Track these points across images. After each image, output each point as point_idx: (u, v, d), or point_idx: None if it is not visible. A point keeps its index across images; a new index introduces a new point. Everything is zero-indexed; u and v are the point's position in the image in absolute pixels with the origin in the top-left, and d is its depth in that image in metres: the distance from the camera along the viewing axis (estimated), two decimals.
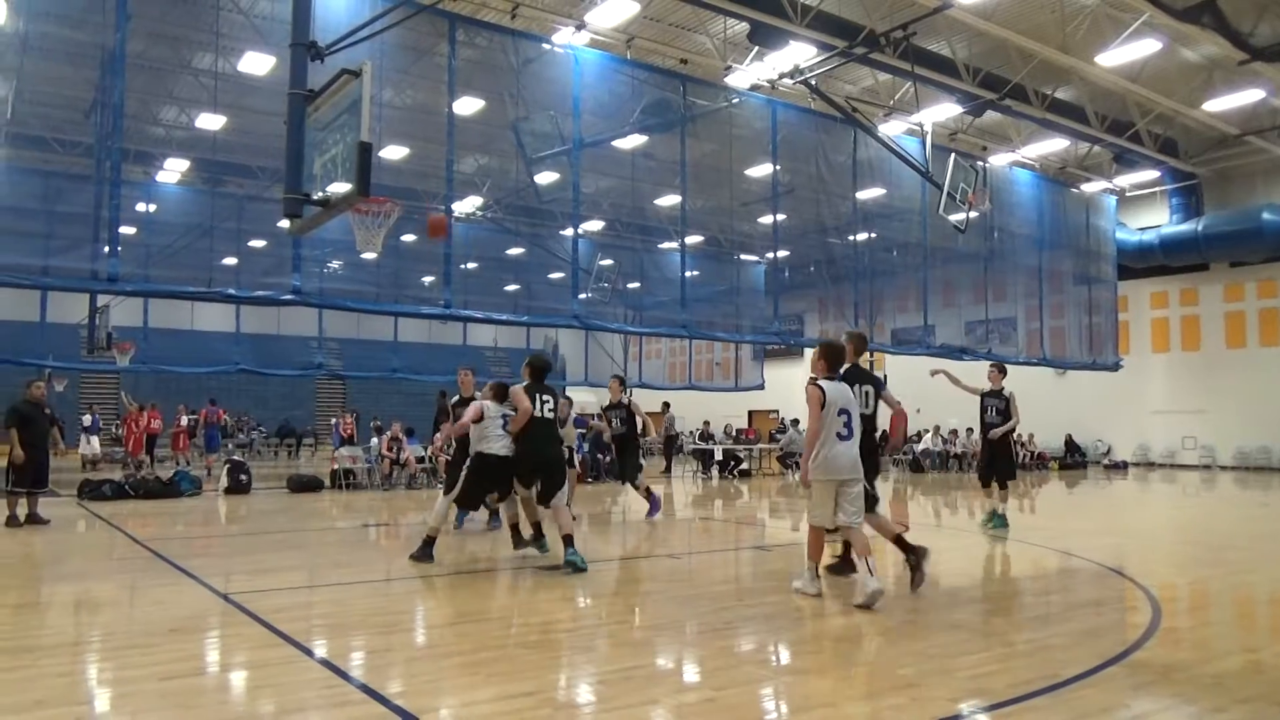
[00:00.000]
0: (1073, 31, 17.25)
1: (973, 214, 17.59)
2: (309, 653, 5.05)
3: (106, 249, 11.39)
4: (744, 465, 22.43)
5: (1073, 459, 26.94)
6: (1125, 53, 17.41)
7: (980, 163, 18.73)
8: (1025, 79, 19.04)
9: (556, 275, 20.29)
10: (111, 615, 6.25)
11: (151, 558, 8.45)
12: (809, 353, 30.98)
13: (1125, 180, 25.86)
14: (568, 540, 7.73)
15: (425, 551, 7.99)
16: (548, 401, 8.16)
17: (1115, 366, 22.72)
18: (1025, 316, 21.37)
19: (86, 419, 23.42)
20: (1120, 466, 26.45)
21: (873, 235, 19.79)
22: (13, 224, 12.66)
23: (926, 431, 25.90)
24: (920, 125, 18.88)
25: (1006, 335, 21.05)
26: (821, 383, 6.49)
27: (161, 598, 6.64)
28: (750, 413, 35.51)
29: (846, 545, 7.30)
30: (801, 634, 5.73)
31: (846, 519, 6.45)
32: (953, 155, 17.55)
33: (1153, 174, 25.30)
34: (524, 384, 8.17)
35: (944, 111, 20.19)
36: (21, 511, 10.74)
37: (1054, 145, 23.85)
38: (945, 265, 20.35)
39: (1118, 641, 5.52)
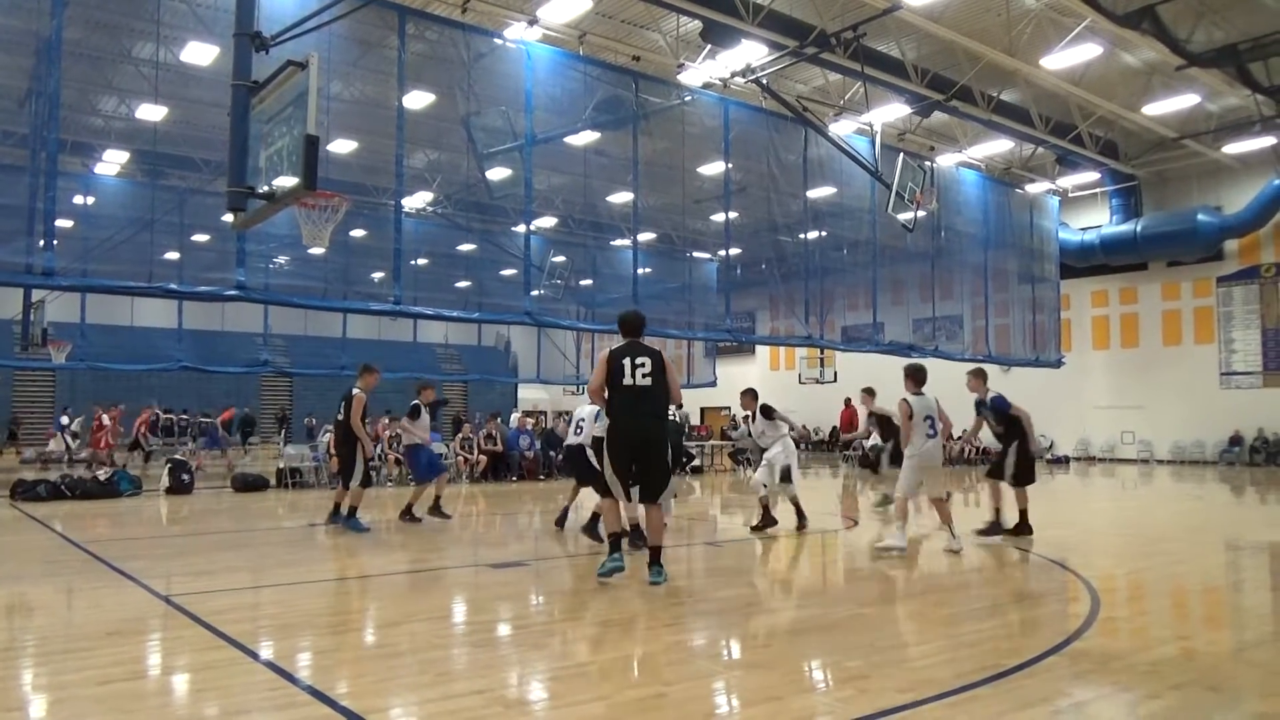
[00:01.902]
0: (1018, 35, 17.62)
1: (920, 213, 17.85)
2: (253, 654, 4.96)
3: (41, 242, 11.02)
4: (695, 461, 22.52)
5: None
6: (1068, 56, 17.84)
7: (928, 163, 19.01)
8: (972, 81, 19.41)
9: (508, 272, 20.17)
10: (46, 619, 6.07)
11: (89, 559, 8.23)
12: (760, 350, 31.47)
13: (1068, 181, 26.50)
14: (654, 553, 6.73)
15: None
16: (642, 365, 6.67)
17: (1058, 363, 23.27)
18: (971, 314, 21.74)
19: (64, 419, 22.99)
20: (1062, 461, 27.09)
21: (823, 234, 19.97)
22: None
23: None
24: (870, 125, 19.13)
25: (953, 333, 21.41)
26: (909, 398, 8.65)
27: (99, 600, 6.47)
28: (702, 409, 35.70)
29: (996, 512, 9.80)
30: (752, 629, 5.78)
31: (933, 493, 8.87)
32: (901, 155, 17.80)
33: (1094, 175, 25.97)
34: (612, 348, 6.84)
35: (893, 112, 20.49)
36: None
37: (999, 146, 24.35)
38: (894, 264, 20.61)
39: (1058, 631, 5.65)
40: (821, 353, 26.88)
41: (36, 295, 19.77)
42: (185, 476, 15.06)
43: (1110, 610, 6.32)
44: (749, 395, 11.37)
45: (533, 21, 16.22)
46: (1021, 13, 17.36)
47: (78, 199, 17.96)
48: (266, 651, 5.06)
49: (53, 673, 4.64)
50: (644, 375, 6.64)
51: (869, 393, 13.53)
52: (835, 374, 28.89)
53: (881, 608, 6.53)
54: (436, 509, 11.00)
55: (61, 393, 30.74)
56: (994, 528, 9.71)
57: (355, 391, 10.22)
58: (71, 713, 3.96)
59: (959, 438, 25.95)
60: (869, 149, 17.88)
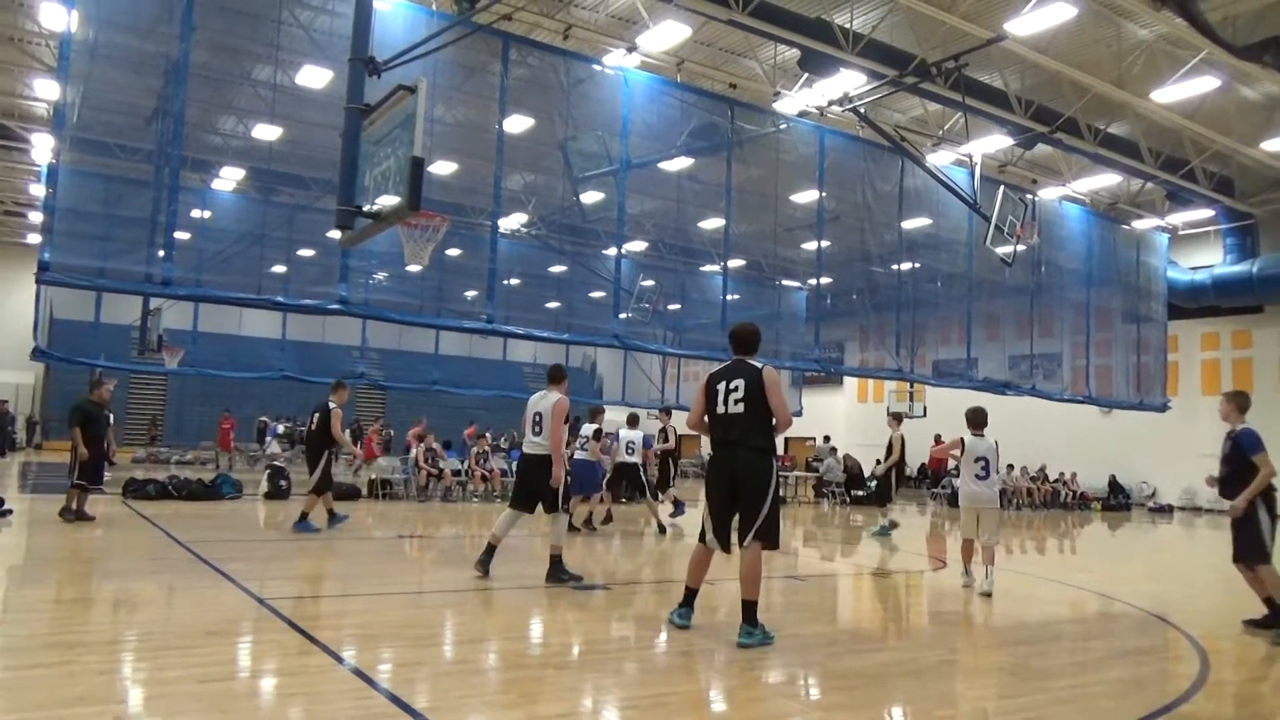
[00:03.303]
0: (1128, 67, 17.07)
1: (1020, 247, 17.36)
2: (343, 662, 5.08)
3: (161, 253, 11.64)
4: (780, 492, 22.23)
5: (1116, 500, 26.38)
6: (1182, 89, 17.20)
7: (1029, 196, 18.51)
8: (1078, 113, 18.85)
9: (598, 294, 20.38)
10: (152, 614, 6.34)
11: (192, 559, 8.57)
12: (848, 382, 30.99)
13: (1178, 218, 25.42)
14: (747, 609, 5.88)
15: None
16: (735, 390, 5.99)
17: (1163, 407, 22.24)
18: (1071, 353, 21.01)
19: (280, 427, 24.42)
20: (1165, 510, 25.84)
21: (917, 265, 19.63)
22: (73, 226, 12.92)
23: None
24: (969, 156, 18.75)
25: (1051, 371, 20.72)
26: (966, 438, 8.75)
27: (200, 599, 6.72)
28: (787, 440, 35.26)
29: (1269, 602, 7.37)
30: (836, 668, 5.64)
31: (985, 539, 8.61)
32: (1001, 187, 17.37)
33: (1207, 213, 24.84)
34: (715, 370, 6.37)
35: (994, 143, 20.04)
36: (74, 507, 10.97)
37: (1106, 180, 23.54)
38: (990, 298, 20.11)
39: (1162, 692, 5.36)
40: (911, 387, 26.26)
41: (154, 303, 20.82)
42: (283, 482, 15.58)
43: (1220, 673, 5.97)
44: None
45: (632, 49, 16.43)
46: (1133, 44, 16.81)
47: (195, 213, 18.87)
48: (355, 660, 5.17)
49: (157, 668, 4.84)
50: (736, 401, 5.96)
51: (896, 418, 14.17)
52: (925, 409, 28.15)
53: (973, 655, 6.31)
54: (589, 524, 12.15)
55: (172, 396, 32.24)
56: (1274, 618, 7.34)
57: (332, 407, 11.10)
58: (173, 708, 4.12)
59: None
60: (968, 180, 17.52)
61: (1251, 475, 7.29)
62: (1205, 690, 5.40)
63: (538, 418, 8.04)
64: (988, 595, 8.36)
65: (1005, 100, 18.41)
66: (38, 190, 25.92)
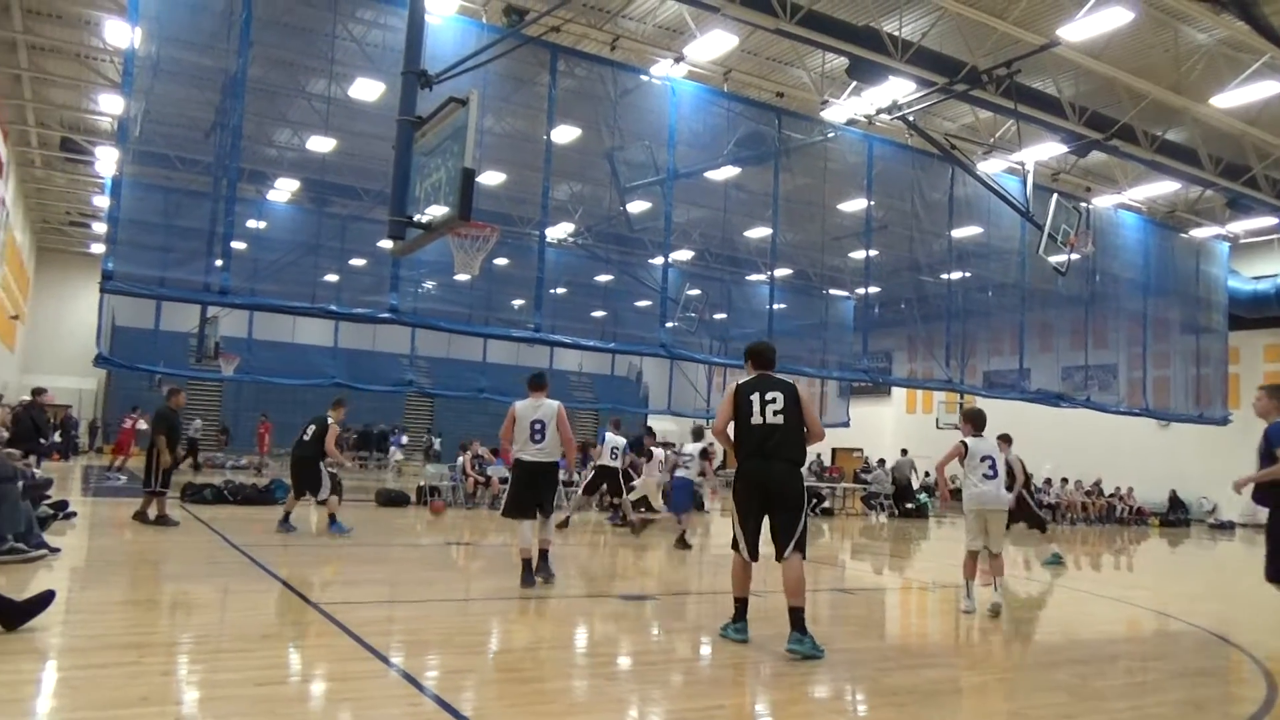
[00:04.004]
0: (1186, 72, 16.68)
1: (1074, 256, 17.04)
2: (394, 667, 5.13)
3: (219, 262, 11.92)
4: (826, 504, 22.05)
5: (1175, 516, 25.69)
6: (1243, 94, 16.76)
7: (1084, 204, 18.18)
8: (1134, 119, 18.46)
9: (644, 303, 20.44)
10: (208, 617, 6.47)
11: (246, 562, 8.74)
12: (897, 392, 30.61)
13: (1239, 226, 24.76)
14: (795, 616, 5.86)
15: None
16: (773, 401, 6.02)
17: (1224, 421, 21.64)
18: (1127, 364, 20.55)
19: (404, 439, 25.00)
20: (1226, 527, 25.10)
21: (967, 274, 19.38)
22: (135, 236, 13.32)
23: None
24: (1021, 164, 18.45)
25: (1106, 383, 20.29)
26: (966, 440, 8.10)
27: (255, 603, 6.85)
28: (834, 450, 34.97)
29: None
30: (886, 684, 5.57)
31: (993, 546, 8.00)
32: (1055, 195, 17.07)
33: (1269, 220, 24.11)
34: (740, 381, 6.28)
35: (1047, 150, 19.70)
36: (152, 511, 11.27)
37: (1163, 188, 23.01)
38: (1043, 308, 19.79)
39: (1226, 716, 5.21)
40: (961, 397, 25.90)
41: (211, 311, 21.32)
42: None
43: None
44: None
45: (679, 59, 16.47)
46: (1191, 48, 16.42)
47: (251, 223, 19.31)
48: (405, 665, 5.22)
49: (215, 670, 4.94)
50: (775, 412, 5.98)
51: (1004, 439, 12.95)
52: None
53: (1028, 673, 6.18)
54: (683, 541, 12.12)
55: (227, 402, 32.94)
56: None
57: (330, 423, 11.52)
58: (230, 711, 4.19)
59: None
60: (1020, 189, 17.25)
61: None
62: (1272, 715, 5.22)
63: (538, 426, 8.03)
64: (997, 612, 7.86)
65: (1058, 107, 18.09)
66: (102, 202, 26.74)
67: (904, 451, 26.02)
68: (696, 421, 16.16)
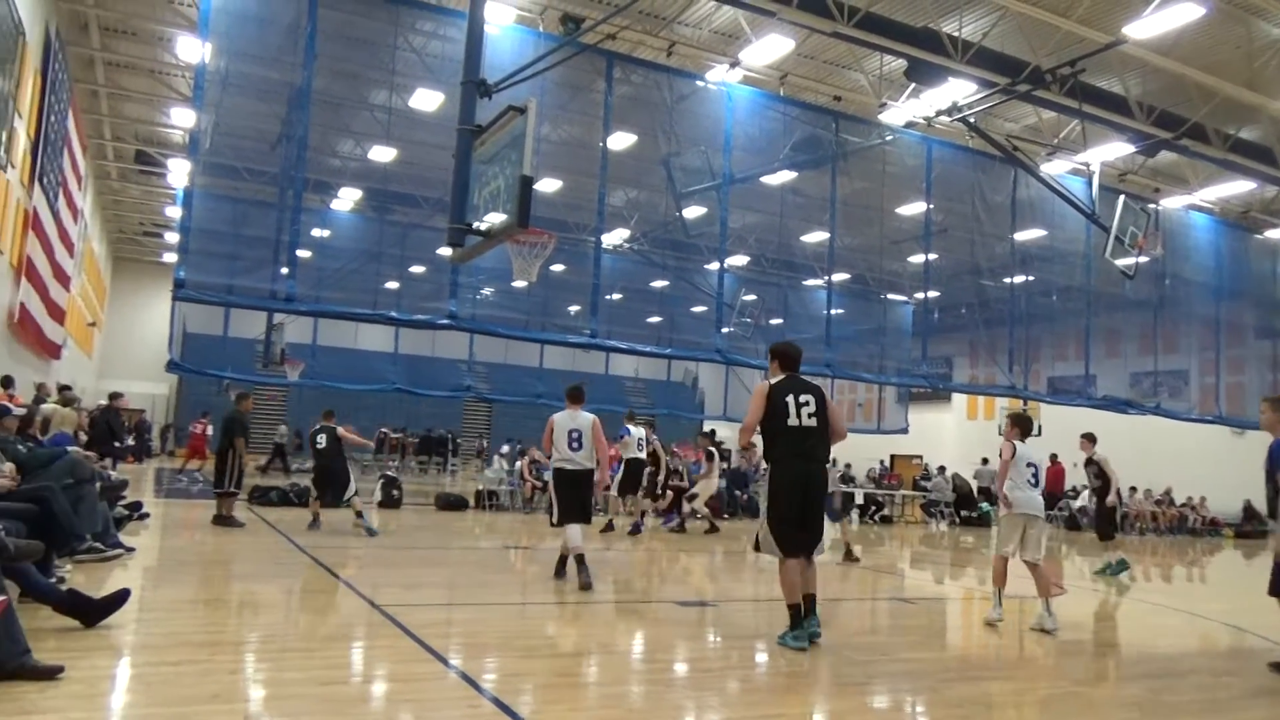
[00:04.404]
0: (1261, 68, 16.12)
1: (1142, 259, 16.58)
2: (453, 669, 5.20)
3: (285, 270, 12.24)
4: (884, 511, 21.77)
5: (1251, 527, 24.75)
6: None
7: (1152, 205, 17.70)
8: (1205, 117, 17.88)
9: (700, 309, 20.41)
10: (275, 617, 6.63)
11: (311, 564, 8.93)
12: (957, 398, 30.02)
13: None
14: (809, 603, 6.17)
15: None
16: (806, 404, 6.14)
17: None
18: (1199, 370, 19.93)
19: (505, 447, 25.33)
20: None
21: (1030, 278, 18.99)
22: (205, 246, 13.72)
23: (1084, 488, 24.47)
24: (1086, 165, 18.03)
25: (1177, 389, 19.70)
26: (1015, 444, 7.89)
27: (319, 604, 7.00)
28: (892, 456, 34.47)
29: None
30: (947, 695, 5.47)
31: (1030, 555, 7.61)
32: (1122, 197, 16.64)
33: None
34: (771, 380, 6.36)
35: (1113, 151, 19.18)
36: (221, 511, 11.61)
37: (1236, 188, 22.22)
38: (1110, 312, 19.30)
39: None
40: (1025, 404, 25.35)
41: (277, 318, 21.87)
42: (395, 492, 16.10)
43: None
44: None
45: (735, 64, 16.42)
46: (1266, 43, 15.87)
47: (315, 232, 19.74)
48: (465, 668, 5.29)
49: (280, 669, 5.06)
50: (809, 415, 6.11)
51: (1089, 438, 12.35)
52: (1040, 427, 27.12)
53: (1097, 687, 6.02)
54: (850, 555, 11.87)
55: (291, 407, 33.70)
56: None
57: (339, 429, 12.11)
58: (297, 709, 4.29)
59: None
60: (1085, 190, 16.87)
61: None
62: None
63: (576, 434, 8.34)
64: (1047, 630, 7.33)
65: (1125, 106, 17.62)
66: (174, 212, 27.60)
67: (985, 461, 25.50)
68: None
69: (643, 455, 14.55)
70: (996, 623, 7.58)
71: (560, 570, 8.50)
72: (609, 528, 13.61)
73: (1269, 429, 6.94)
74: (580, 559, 8.20)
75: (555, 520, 8.38)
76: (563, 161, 18.98)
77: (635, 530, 13.63)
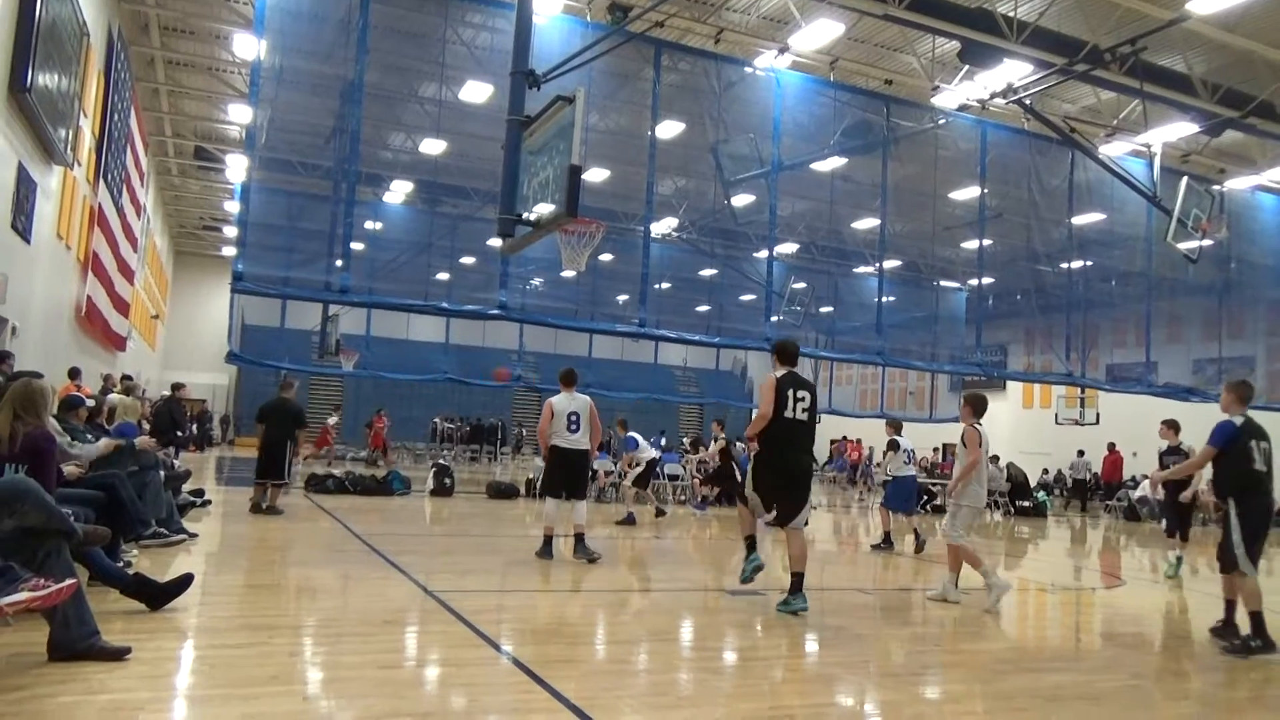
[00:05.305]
0: None
1: (1206, 242, 16.08)
2: (505, 655, 5.27)
3: (339, 263, 12.44)
4: (937, 500, 21.47)
5: None
6: None
7: (1216, 187, 17.15)
8: (1274, 94, 17.27)
9: (748, 297, 20.31)
10: (332, 602, 6.78)
11: (366, 550, 9.11)
12: (1012, 386, 29.38)
13: None
14: (797, 580, 6.80)
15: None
16: (802, 399, 6.78)
17: None
18: (1266, 356, 19.31)
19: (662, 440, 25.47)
20: None
21: (1089, 263, 18.55)
22: (261, 239, 14.01)
23: (1144, 477, 23.89)
24: (1148, 146, 17.51)
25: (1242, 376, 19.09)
26: (979, 426, 7.94)
27: (375, 589, 7.14)
28: (944, 446, 33.99)
29: (1228, 606, 6.85)
30: (1004, 688, 5.39)
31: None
32: (1185, 178, 16.14)
33: None
34: (776, 375, 6.91)
35: (1176, 131, 18.62)
36: (266, 500, 11.84)
37: None
38: (1172, 297, 18.78)
39: None
40: (1082, 392, 24.79)
41: (332, 310, 22.26)
42: (447, 480, 16.32)
43: None
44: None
45: (783, 49, 16.26)
46: None
47: (368, 224, 20.05)
48: (517, 654, 5.35)
49: (338, 653, 5.18)
50: (803, 410, 6.76)
51: (1171, 426, 11.40)
52: (1098, 415, 26.52)
53: (1159, 682, 5.90)
54: (919, 547, 11.79)
55: (348, 396, 34.34)
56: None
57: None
58: (355, 692, 4.39)
59: None
60: (1146, 172, 16.40)
61: (1226, 468, 6.65)
62: None
63: (574, 417, 8.97)
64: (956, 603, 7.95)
65: (1188, 85, 17.09)
66: (232, 207, 28.25)
67: (1080, 453, 25.05)
68: (890, 415, 15.87)
69: (656, 454, 15.27)
70: (944, 601, 7.99)
71: (546, 551, 8.96)
72: (660, 514, 14.01)
73: (1225, 410, 6.94)
74: (579, 538, 8.89)
75: (540, 491, 9.05)
76: (611, 151, 18.99)
77: (628, 520, 13.39)
